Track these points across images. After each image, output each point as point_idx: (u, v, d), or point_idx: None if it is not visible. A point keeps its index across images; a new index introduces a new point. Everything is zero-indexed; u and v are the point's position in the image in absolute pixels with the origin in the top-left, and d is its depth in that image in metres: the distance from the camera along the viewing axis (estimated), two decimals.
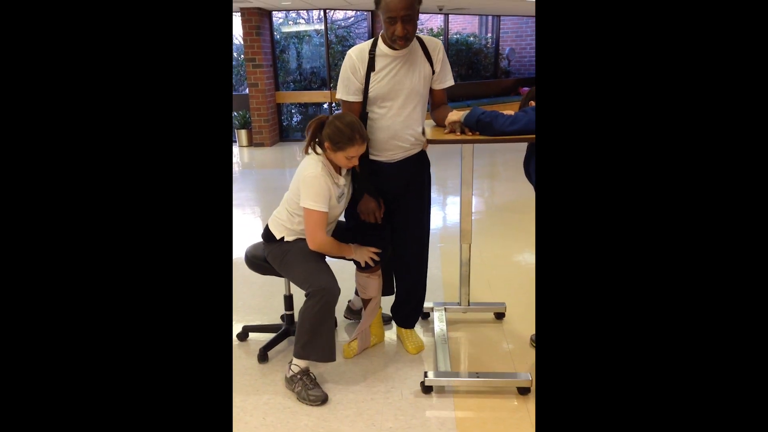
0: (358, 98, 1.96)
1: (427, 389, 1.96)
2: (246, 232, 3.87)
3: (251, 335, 2.44)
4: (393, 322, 2.42)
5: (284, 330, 2.34)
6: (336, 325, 2.46)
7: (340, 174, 1.99)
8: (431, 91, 2.05)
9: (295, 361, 1.97)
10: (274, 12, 7.49)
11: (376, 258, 2.05)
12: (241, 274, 3.07)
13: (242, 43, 7.05)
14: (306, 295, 1.89)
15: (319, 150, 1.94)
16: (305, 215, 1.91)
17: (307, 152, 1.97)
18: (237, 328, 2.44)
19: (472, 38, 9.76)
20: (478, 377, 1.98)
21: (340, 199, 1.99)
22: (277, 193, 5.00)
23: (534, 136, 1.73)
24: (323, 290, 1.85)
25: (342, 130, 1.84)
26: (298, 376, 1.96)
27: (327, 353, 1.92)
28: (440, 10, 7.90)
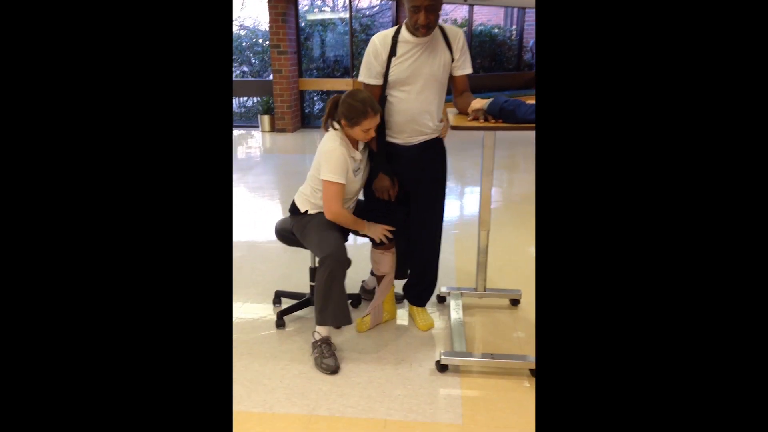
0: (379, 82, 2.03)
1: (442, 368, 2.03)
2: (266, 212, 3.98)
3: (284, 302, 2.59)
4: (405, 302, 2.51)
5: (306, 299, 2.45)
6: (359, 303, 2.55)
7: (357, 149, 2.08)
8: (453, 78, 2.11)
9: (318, 328, 2.09)
10: None
11: (390, 236, 2.14)
12: (278, 250, 3.17)
13: (268, 29, 7.13)
14: (318, 263, 2.01)
15: (336, 126, 2.05)
16: (324, 187, 2.02)
17: (325, 129, 2.09)
18: (270, 295, 2.64)
19: (496, 30, 9.71)
20: (492, 358, 2.04)
21: (356, 173, 2.09)
22: (297, 177, 5.09)
23: None
24: (329, 256, 1.96)
25: (355, 106, 1.95)
26: (319, 343, 2.08)
27: (340, 317, 2.02)
28: (465, 1, 7.87)
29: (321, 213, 2.12)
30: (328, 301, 2.00)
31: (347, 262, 2.00)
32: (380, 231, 2.13)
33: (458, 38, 2.04)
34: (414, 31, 1.93)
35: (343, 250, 2.00)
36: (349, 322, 2.05)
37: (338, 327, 2.11)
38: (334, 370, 2.02)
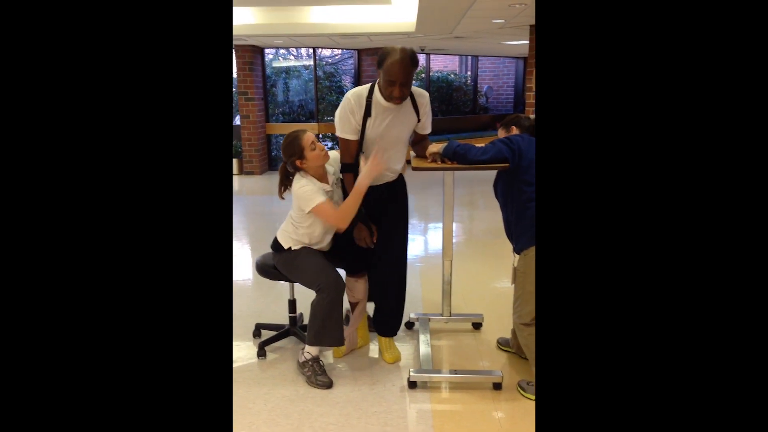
0: (356, 137, 2.22)
1: (411, 384, 2.23)
2: (237, 251, 4.12)
3: (263, 334, 2.73)
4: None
5: (285, 330, 2.62)
6: (348, 322, 2.72)
7: (328, 183, 2.30)
8: (414, 132, 2.37)
9: (308, 348, 2.28)
10: (266, 49, 7.90)
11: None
12: (252, 286, 3.31)
13: (236, 77, 7.42)
14: (316, 292, 2.20)
15: (300, 174, 2.24)
16: (316, 214, 2.18)
17: (282, 197, 2.33)
18: (251, 327, 2.76)
19: (452, 76, 10.31)
20: (457, 374, 2.25)
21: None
22: (265, 218, 5.27)
23: (502, 164, 2.07)
24: (331, 284, 2.18)
25: (289, 143, 2.20)
26: (309, 363, 2.27)
27: (337, 339, 2.25)
28: (422, 50, 8.41)
29: (305, 248, 2.31)
30: (327, 324, 2.20)
31: (344, 286, 2.24)
32: (377, 167, 2.16)
33: (425, 102, 2.29)
34: (388, 100, 2.14)
35: (340, 277, 2.24)
36: (343, 343, 2.28)
37: (336, 346, 2.32)
38: (329, 385, 2.22)
